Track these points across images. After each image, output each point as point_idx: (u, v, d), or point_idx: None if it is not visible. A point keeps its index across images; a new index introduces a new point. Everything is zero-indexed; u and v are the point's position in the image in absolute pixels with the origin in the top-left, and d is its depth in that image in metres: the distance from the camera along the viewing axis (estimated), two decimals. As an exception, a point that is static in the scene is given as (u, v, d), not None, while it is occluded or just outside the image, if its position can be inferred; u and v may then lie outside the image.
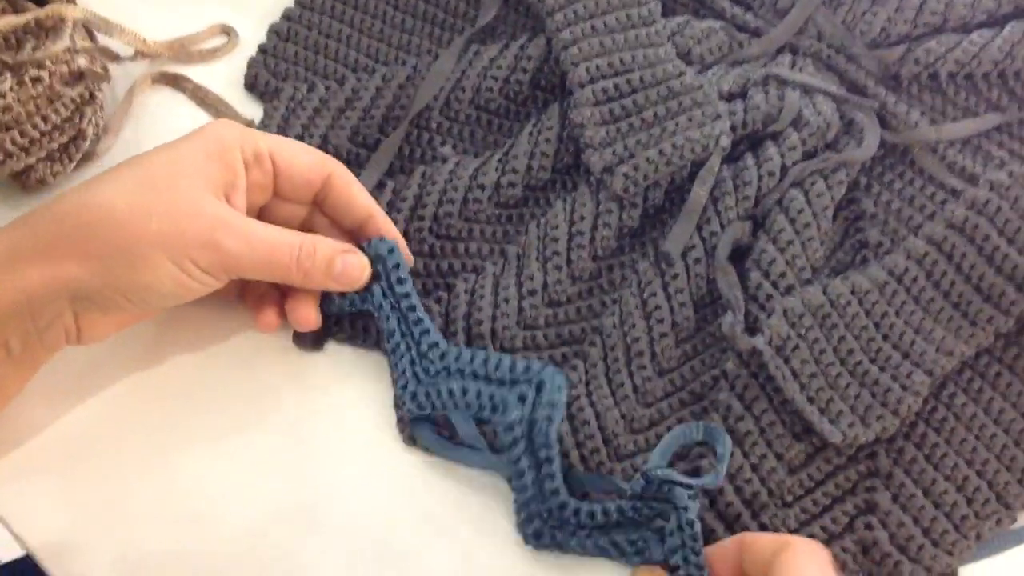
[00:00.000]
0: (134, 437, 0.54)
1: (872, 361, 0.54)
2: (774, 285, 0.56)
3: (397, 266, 0.52)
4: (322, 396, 0.56)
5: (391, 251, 0.53)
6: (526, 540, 0.50)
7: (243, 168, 0.50)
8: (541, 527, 0.50)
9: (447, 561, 0.52)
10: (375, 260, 0.53)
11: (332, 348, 0.57)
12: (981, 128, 0.63)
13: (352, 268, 0.51)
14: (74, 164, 0.59)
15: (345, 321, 0.57)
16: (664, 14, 0.64)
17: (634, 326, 0.56)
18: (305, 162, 0.52)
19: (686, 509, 0.47)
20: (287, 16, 0.67)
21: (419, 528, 0.52)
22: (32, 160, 0.58)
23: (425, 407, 0.51)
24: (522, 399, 0.49)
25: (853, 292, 0.55)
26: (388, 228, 0.54)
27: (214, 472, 0.53)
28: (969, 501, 0.53)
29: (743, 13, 0.66)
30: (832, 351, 0.54)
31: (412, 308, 0.52)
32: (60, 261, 0.46)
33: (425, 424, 0.53)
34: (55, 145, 0.58)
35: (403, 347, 0.52)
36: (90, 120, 0.59)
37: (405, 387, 0.52)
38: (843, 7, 0.65)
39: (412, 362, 0.52)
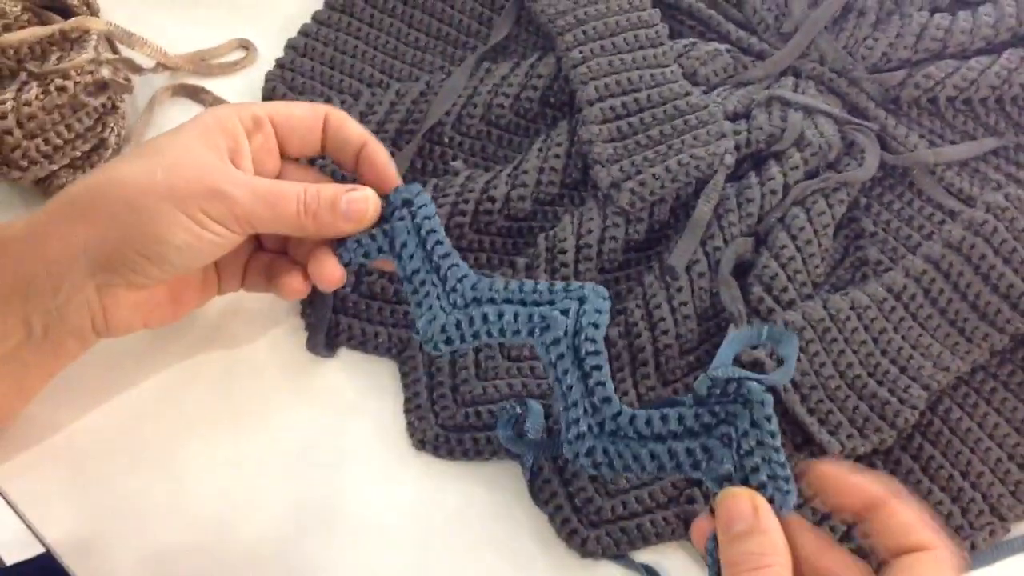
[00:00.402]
0: (151, 438, 0.55)
1: (871, 375, 0.56)
2: (776, 300, 0.58)
3: (425, 205, 0.51)
4: (335, 400, 0.57)
5: (419, 193, 0.51)
6: (577, 460, 0.45)
7: (244, 135, 0.51)
8: (593, 442, 0.45)
9: (462, 563, 0.53)
10: (403, 205, 0.51)
11: (344, 354, 0.58)
12: (978, 151, 0.65)
13: (357, 203, 0.50)
14: (96, 172, 0.61)
15: (356, 327, 0.58)
16: (671, 36, 0.66)
17: (639, 337, 0.57)
18: (301, 111, 0.53)
19: (761, 403, 0.41)
20: (304, 32, 0.68)
21: (431, 530, 0.54)
22: (55, 167, 0.59)
23: (454, 339, 0.48)
24: (565, 313, 0.46)
25: (853, 308, 0.57)
26: (380, 150, 0.53)
27: (229, 474, 0.55)
28: (964, 512, 0.54)
29: (748, 36, 0.68)
30: (832, 364, 0.56)
31: (440, 243, 0.50)
32: (77, 227, 0.47)
33: (507, 428, 0.52)
34: (78, 153, 0.60)
35: (429, 283, 0.50)
36: (112, 129, 0.61)
37: (433, 321, 0.49)
38: (845, 32, 0.67)
39: (439, 297, 0.50)
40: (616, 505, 0.54)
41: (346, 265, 0.52)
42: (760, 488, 0.41)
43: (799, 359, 0.55)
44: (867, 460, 0.55)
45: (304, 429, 0.56)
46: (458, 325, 0.48)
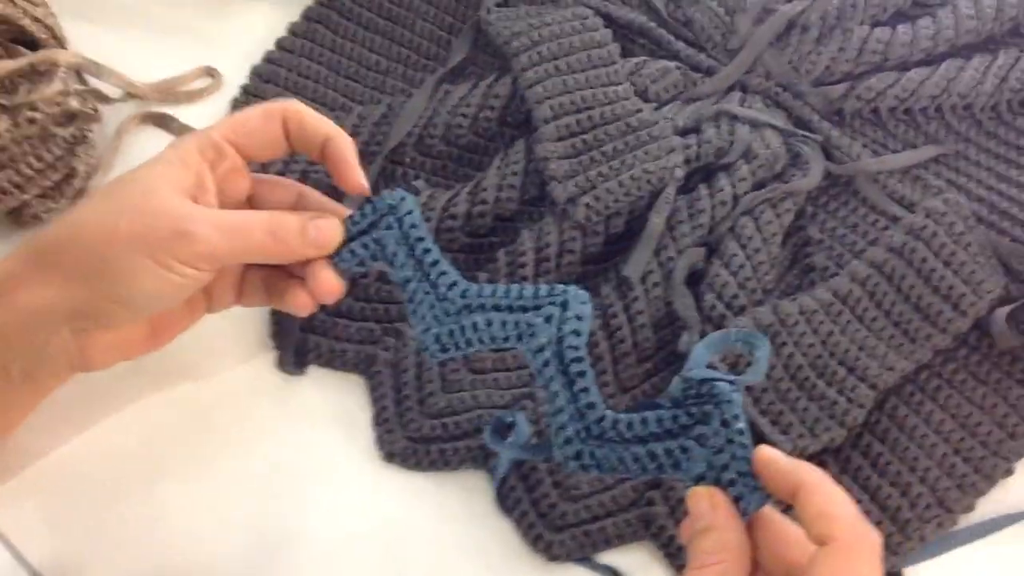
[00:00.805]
0: (130, 465, 0.56)
1: (819, 376, 0.58)
2: (727, 306, 0.60)
3: (410, 212, 0.51)
4: (306, 417, 0.59)
5: (403, 199, 0.51)
6: (565, 464, 0.46)
7: (207, 168, 0.51)
8: (580, 447, 0.46)
9: (435, 571, 0.55)
10: (388, 212, 0.51)
11: (313, 371, 0.60)
12: (919, 159, 0.68)
13: (324, 230, 0.51)
14: (67, 200, 0.62)
15: (324, 345, 0.60)
16: (622, 55, 0.68)
17: (597, 346, 0.59)
18: (256, 121, 0.52)
19: (729, 402, 0.43)
20: (268, 59, 0.70)
21: (404, 540, 0.56)
22: (27, 197, 0.61)
23: (449, 347, 0.50)
24: (548, 319, 0.47)
25: (801, 312, 0.59)
26: (346, 144, 0.53)
27: (205, 496, 0.56)
28: (912, 505, 0.57)
29: (696, 54, 0.71)
30: (782, 367, 0.58)
31: (428, 251, 0.51)
32: (46, 280, 0.48)
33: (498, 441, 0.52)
34: (49, 183, 0.61)
35: (421, 292, 0.51)
36: (82, 158, 0.63)
37: (427, 331, 0.50)
38: (789, 47, 0.70)
39: (431, 306, 0.50)
40: (579, 509, 0.56)
41: (343, 275, 0.52)
42: (729, 486, 0.43)
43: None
44: (818, 458, 0.58)
45: (277, 447, 0.58)
46: (451, 334, 0.50)
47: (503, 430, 0.51)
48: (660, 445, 0.44)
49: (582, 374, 0.47)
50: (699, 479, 0.43)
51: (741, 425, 0.43)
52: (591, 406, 0.46)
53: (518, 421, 0.51)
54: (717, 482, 0.43)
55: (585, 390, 0.46)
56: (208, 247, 0.48)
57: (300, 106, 0.53)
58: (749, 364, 0.54)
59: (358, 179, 0.52)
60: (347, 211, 0.53)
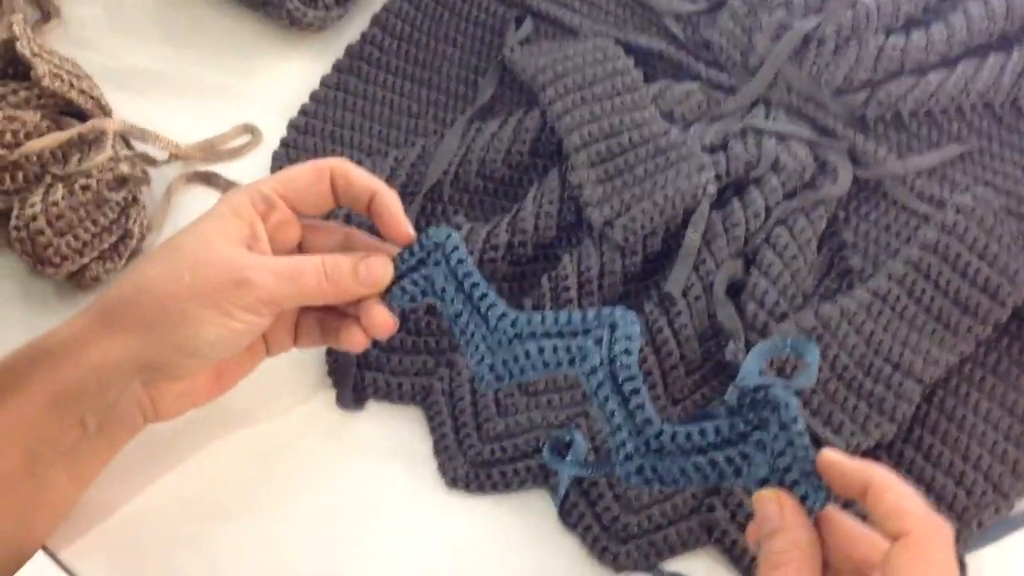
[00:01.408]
0: (195, 511, 0.58)
1: (866, 374, 0.59)
2: (769, 314, 0.62)
3: (456, 248, 0.53)
4: (368, 451, 0.60)
5: (448, 236, 0.53)
6: (627, 480, 0.48)
7: (258, 219, 0.53)
8: (641, 462, 0.47)
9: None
10: (434, 249, 0.53)
11: (372, 406, 0.62)
12: (944, 158, 0.69)
13: (375, 268, 0.53)
14: (124, 261, 0.65)
15: (380, 379, 0.62)
16: (645, 80, 0.71)
17: (646, 361, 0.61)
18: (306, 178, 0.55)
19: (787, 406, 0.44)
20: (304, 111, 0.73)
21: (472, 564, 0.57)
22: (86, 260, 0.63)
23: (503, 376, 0.52)
24: (598, 342, 0.49)
25: (842, 314, 0.61)
26: (389, 198, 0.55)
27: (271, 539, 0.58)
28: (968, 494, 0.58)
29: (718, 73, 0.73)
30: (828, 368, 0.59)
31: (476, 285, 0.52)
32: (115, 336, 0.51)
33: (558, 458, 0.53)
34: (105, 245, 0.64)
35: (472, 325, 0.52)
36: (135, 220, 0.65)
37: (481, 361, 0.52)
38: (807, 61, 0.71)
39: (483, 337, 0.52)
40: (642, 520, 0.57)
41: (395, 312, 0.54)
42: (792, 487, 0.44)
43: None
44: (872, 454, 0.59)
45: (341, 484, 0.59)
46: (505, 364, 0.51)
47: (561, 448, 0.53)
48: (720, 453, 0.46)
49: (636, 391, 0.48)
50: (762, 483, 0.45)
51: (800, 427, 0.44)
52: (648, 422, 0.48)
53: (575, 438, 0.53)
54: (781, 484, 0.44)
55: (641, 407, 0.48)
56: (267, 292, 0.50)
57: (347, 163, 0.55)
58: (796, 368, 0.55)
59: (406, 230, 0.55)
60: (395, 249, 0.55)
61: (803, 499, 0.44)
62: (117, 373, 0.51)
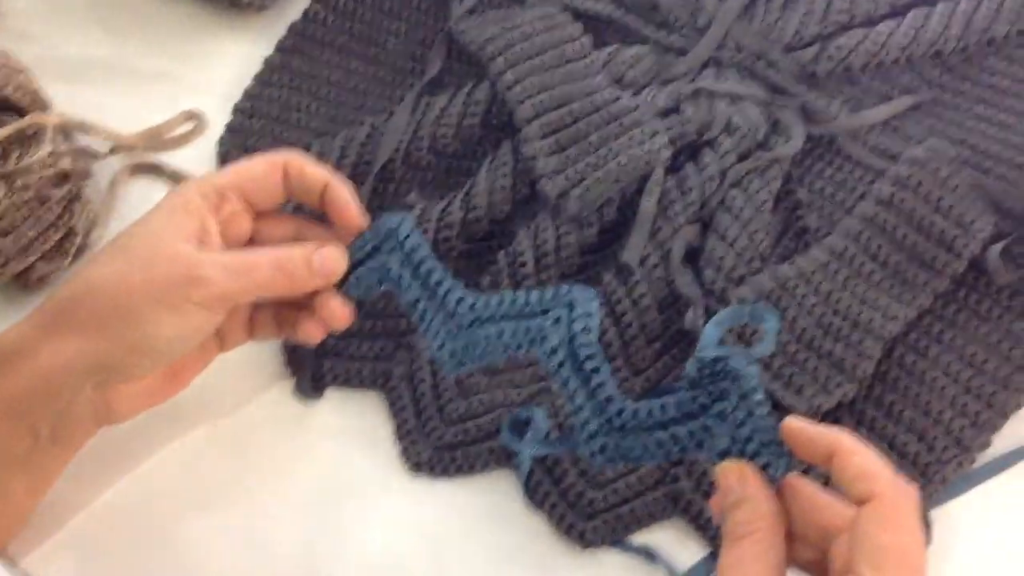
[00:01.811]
0: (160, 508, 0.58)
1: (825, 334, 0.59)
2: (727, 278, 0.61)
3: (410, 234, 0.53)
4: (330, 439, 0.60)
5: (402, 222, 0.53)
6: (592, 459, 0.48)
7: (209, 214, 0.52)
8: (604, 440, 0.47)
9: (476, 572, 0.56)
10: (387, 236, 0.53)
11: (331, 393, 0.61)
12: (896, 110, 0.69)
13: (329, 259, 0.52)
14: (70, 259, 0.63)
15: (339, 366, 0.61)
16: (594, 46, 0.70)
17: (606, 333, 0.60)
18: (259, 170, 0.54)
19: (746, 376, 0.44)
20: (248, 94, 0.71)
21: (442, 546, 0.57)
22: (31, 260, 0.62)
23: (464, 361, 0.51)
24: (557, 321, 0.48)
25: (800, 275, 0.60)
26: (341, 189, 0.54)
27: (240, 530, 0.57)
28: (930, 449, 0.58)
29: (667, 35, 0.72)
30: (787, 330, 0.59)
31: (432, 270, 0.52)
32: (65, 338, 0.49)
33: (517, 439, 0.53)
34: (50, 244, 0.62)
35: (430, 311, 0.52)
36: (79, 216, 0.64)
37: (441, 347, 0.52)
38: (756, 18, 0.71)
39: (442, 322, 0.52)
40: (607, 495, 0.57)
41: (351, 301, 0.54)
42: (754, 457, 0.44)
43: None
44: (834, 414, 0.59)
45: (305, 473, 0.59)
46: (465, 348, 0.51)
47: (520, 427, 0.52)
48: (682, 427, 0.46)
49: (596, 370, 0.48)
50: (724, 454, 0.45)
51: (760, 396, 0.44)
52: (609, 400, 0.47)
53: (534, 416, 0.52)
54: (742, 454, 0.44)
55: (602, 385, 0.48)
56: (219, 288, 0.50)
57: (301, 156, 0.55)
58: (755, 334, 0.55)
59: (358, 219, 0.54)
60: (349, 238, 0.54)
61: (765, 468, 0.44)
62: (68, 377, 0.50)
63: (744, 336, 0.58)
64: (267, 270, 0.51)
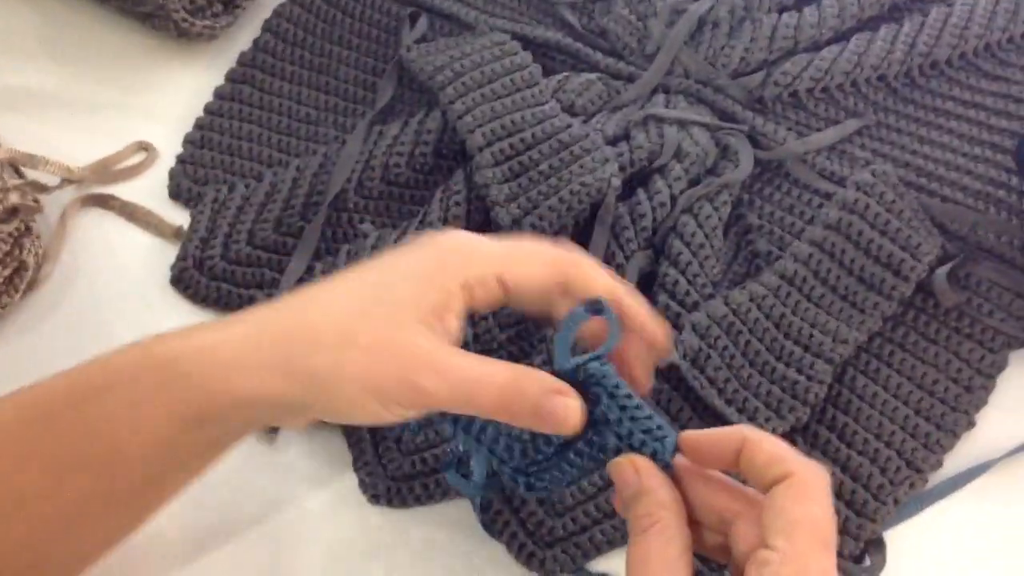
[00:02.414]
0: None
1: (777, 358, 0.60)
2: (680, 304, 0.62)
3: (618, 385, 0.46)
4: (289, 475, 0.60)
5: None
6: (526, 494, 0.48)
7: (460, 293, 0.47)
8: (526, 479, 0.47)
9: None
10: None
11: (286, 431, 0.61)
12: (842, 134, 0.70)
13: (557, 412, 0.45)
14: (20, 294, 0.63)
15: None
16: (544, 74, 0.70)
17: (561, 361, 0.61)
18: (539, 277, 0.48)
19: (605, 376, 0.44)
20: (199, 125, 0.71)
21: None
22: (-20, 296, 0.61)
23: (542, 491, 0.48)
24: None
25: (751, 299, 0.61)
26: (639, 306, 0.49)
27: (196, 564, 0.57)
28: (883, 471, 0.59)
29: (615, 62, 0.73)
30: (741, 355, 0.60)
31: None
32: (268, 376, 0.46)
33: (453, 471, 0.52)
34: (-1, 279, 0.62)
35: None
36: (29, 251, 0.63)
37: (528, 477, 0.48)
38: (703, 44, 0.72)
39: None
40: (566, 522, 0.57)
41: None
42: (641, 447, 0.44)
43: (710, 355, 0.60)
44: (787, 437, 0.59)
45: (260, 507, 0.59)
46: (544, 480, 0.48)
47: (462, 463, 0.52)
48: (579, 443, 0.46)
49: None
50: (617, 453, 0.45)
51: (625, 390, 0.44)
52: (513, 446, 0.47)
53: (474, 456, 0.52)
54: (631, 448, 0.44)
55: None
56: (431, 399, 0.45)
57: (588, 263, 0.49)
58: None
59: (648, 381, 0.49)
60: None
61: (654, 456, 0.44)
62: (253, 406, 0.47)
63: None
64: (489, 399, 0.45)
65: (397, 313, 0.46)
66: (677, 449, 0.44)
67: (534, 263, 0.48)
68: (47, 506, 0.46)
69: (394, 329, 0.46)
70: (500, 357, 0.60)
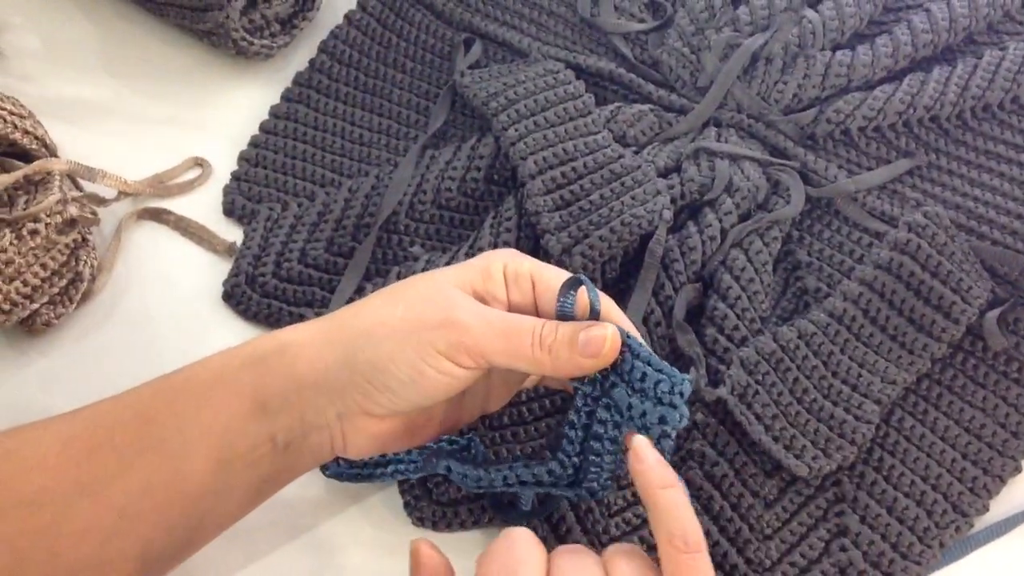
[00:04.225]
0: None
1: (826, 397, 0.60)
2: (729, 338, 0.62)
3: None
4: (337, 496, 0.60)
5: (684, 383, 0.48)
6: (580, 497, 0.51)
7: (503, 280, 0.50)
8: (577, 491, 0.51)
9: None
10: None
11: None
12: (894, 174, 0.70)
13: (596, 337, 0.47)
14: (75, 304, 0.63)
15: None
16: (597, 103, 0.71)
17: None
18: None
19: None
20: (254, 143, 0.72)
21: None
22: (36, 306, 0.62)
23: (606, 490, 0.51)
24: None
25: (800, 336, 0.61)
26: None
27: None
28: (929, 514, 0.59)
29: (668, 94, 0.73)
30: (788, 392, 0.60)
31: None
32: (319, 350, 0.49)
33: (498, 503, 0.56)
34: (56, 289, 0.63)
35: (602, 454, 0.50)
36: (85, 262, 0.64)
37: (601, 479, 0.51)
38: (756, 79, 0.72)
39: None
40: (617, 522, 0.58)
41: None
42: (657, 386, 0.47)
43: (758, 391, 0.60)
44: (834, 476, 0.59)
45: (306, 526, 0.59)
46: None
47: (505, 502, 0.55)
48: (593, 427, 0.50)
49: (599, 454, 0.50)
50: (632, 419, 0.48)
51: (634, 339, 0.48)
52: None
53: (519, 494, 0.54)
54: (647, 397, 0.47)
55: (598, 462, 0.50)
56: (473, 339, 0.47)
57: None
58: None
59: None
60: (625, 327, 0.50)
61: (671, 392, 0.46)
62: (317, 392, 0.49)
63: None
64: (528, 336, 0.48)
65: (438, 279, 0.50)
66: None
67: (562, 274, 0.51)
68: (114, 491, 0.47)
69: (434, 287, 0.49)
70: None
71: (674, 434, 0.46)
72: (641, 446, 0.45)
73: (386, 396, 0.48)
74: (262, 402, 0.49)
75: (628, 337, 0.48)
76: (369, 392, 0.48)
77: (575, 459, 0.50)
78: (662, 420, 0.46)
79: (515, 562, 0.43)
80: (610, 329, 0.47)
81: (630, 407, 0.47)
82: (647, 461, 0.45)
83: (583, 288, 0.49)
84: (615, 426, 0.48)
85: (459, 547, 0.57)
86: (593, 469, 0.50)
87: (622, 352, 0.47)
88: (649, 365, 0.47)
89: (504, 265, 0.51)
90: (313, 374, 0.49)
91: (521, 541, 0.44)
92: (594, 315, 0.48)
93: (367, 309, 0.50)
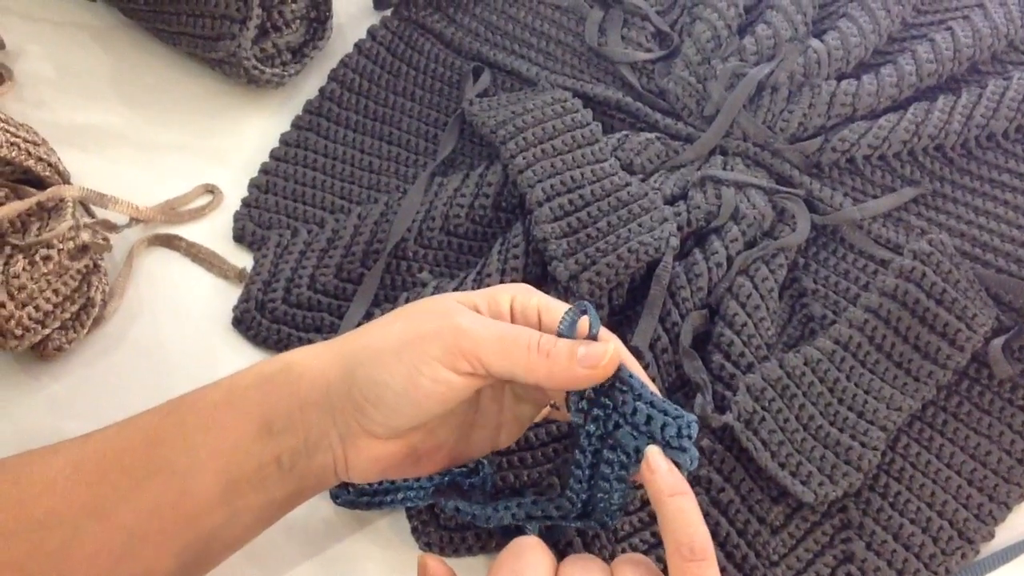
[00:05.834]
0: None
1: (832, 423, 0.60)
2: (735, 365, 0.62)
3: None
4: (345, 519, 0.60)
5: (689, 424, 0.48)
6: (588, 526, 0.52)
7: (508, 310, 0.50)
8: (587, 522, 0.51)
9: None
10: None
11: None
12: (899, 202, 0.71)
13: (596, 351, 0.47)
14: (86, 330, 0.64)
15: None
16: (604, 132, 0.71)
17: (615, 418, 0.61)
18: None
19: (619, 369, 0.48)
20: (264, 170, 0.73)
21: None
22: (48, 331, 0.62)
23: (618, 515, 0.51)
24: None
25: (806, 363, 0.62)
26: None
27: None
28: (935, 540, 0.59)
29: (674, 123, 0.74)
30: (795, 418, 0.60)
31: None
32: (322, 366, 0.50)
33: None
34: (67, 315, 0.63)
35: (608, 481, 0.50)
36: (97, 288, 0.64)
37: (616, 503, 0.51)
38: (762, 108, 0.73)
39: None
40: (624, 548, 0.58)
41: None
42: (663, 429, 0.47)
43: (764, 417, 0.60)
44: (840, 503, 0.60)
45: (316, 548, 0.59)
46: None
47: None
48: (600, 467, 0.50)
49: (608, 479, 0.50)
50: (638, 453, 0.48)
51: (637, 379, 0.48)
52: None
53: (525, 529, 0.54)
54: (651, 436, 0.47)
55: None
56: (469, 342, 0.47)
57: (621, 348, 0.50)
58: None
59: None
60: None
61: (678, 433, 0.46)
62: (319, 411, 0.49)
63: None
64: (525, 340, 0.48)
65: (436, 300, 0.51)
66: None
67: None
68: (123, 513, 0.48)
69: (435, 302, 0.50)
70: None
71: (686, 474, 0.47)
72: (654, 455, 0.46)
73: (381, 412, 0.48)
74: (268, 422, 0.49)
75: (631, 376, 0.48)
76: (365, 408, 0.48)
77: (584, 496, 0.51)
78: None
79: (524, 567, 0.44)
80: (611, 345, 0.48)
81: (637, 450, 0.47)
82: (659, 470, 0.46)
83: (585, 317, 0.49)
84: (622, 467, 0.48)
85: (467, 572, 0.58)
86: (601, 504, 0.50)
87: (624, 391, 0.47)
88: (653, 406, 0.47)
89: (512, 298, 0.51)
90: (315, 392, 0.49)
91: (531, 548, 0.45)
92: (592, 340, 0.49)
93: (370, 328, 0.51)
